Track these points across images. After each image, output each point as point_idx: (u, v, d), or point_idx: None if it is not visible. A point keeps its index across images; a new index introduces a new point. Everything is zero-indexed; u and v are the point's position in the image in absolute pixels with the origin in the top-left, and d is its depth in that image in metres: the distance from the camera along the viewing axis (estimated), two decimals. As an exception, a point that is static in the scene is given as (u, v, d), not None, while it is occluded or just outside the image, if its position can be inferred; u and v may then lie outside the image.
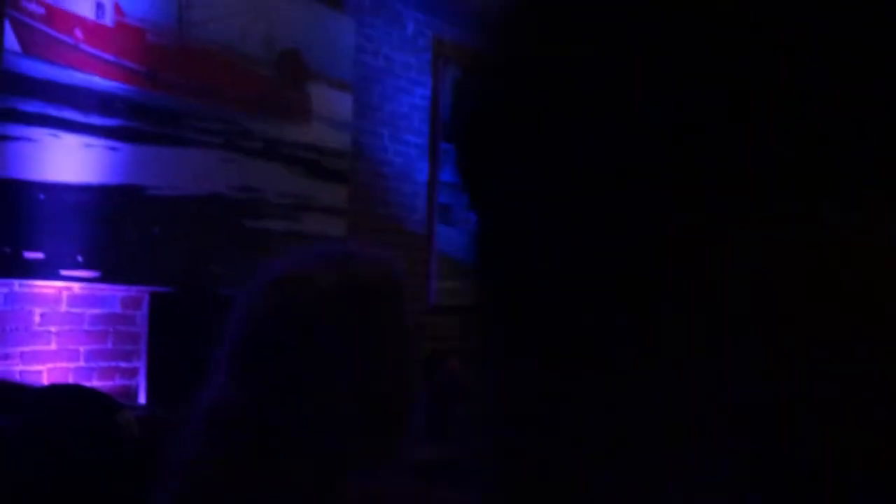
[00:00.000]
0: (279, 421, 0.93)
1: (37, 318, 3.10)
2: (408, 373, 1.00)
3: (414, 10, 4.74)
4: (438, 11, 4.88)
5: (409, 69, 4.70)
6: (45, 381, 3.07)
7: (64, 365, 3.16)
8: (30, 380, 3.04)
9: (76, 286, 3.21)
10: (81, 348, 3.22)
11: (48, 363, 3.12)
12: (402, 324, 1.00)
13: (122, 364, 3.29)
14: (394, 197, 4.61)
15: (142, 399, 3.13)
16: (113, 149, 3.32)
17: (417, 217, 4.73)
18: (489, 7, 0.27)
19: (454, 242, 4.93)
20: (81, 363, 3.21)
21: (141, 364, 3.18)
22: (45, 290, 3.12)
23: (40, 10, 3.10)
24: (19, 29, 3.05)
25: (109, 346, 3.28)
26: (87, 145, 3.24)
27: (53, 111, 3.14)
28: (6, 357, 3.02)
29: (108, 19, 3.31)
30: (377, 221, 4.50)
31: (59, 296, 3.17)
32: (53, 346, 3.14)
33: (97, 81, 3.27)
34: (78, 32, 3.21)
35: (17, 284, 3.05)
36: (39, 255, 3.08)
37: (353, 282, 0.97)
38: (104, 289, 3.29)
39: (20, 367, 3.04)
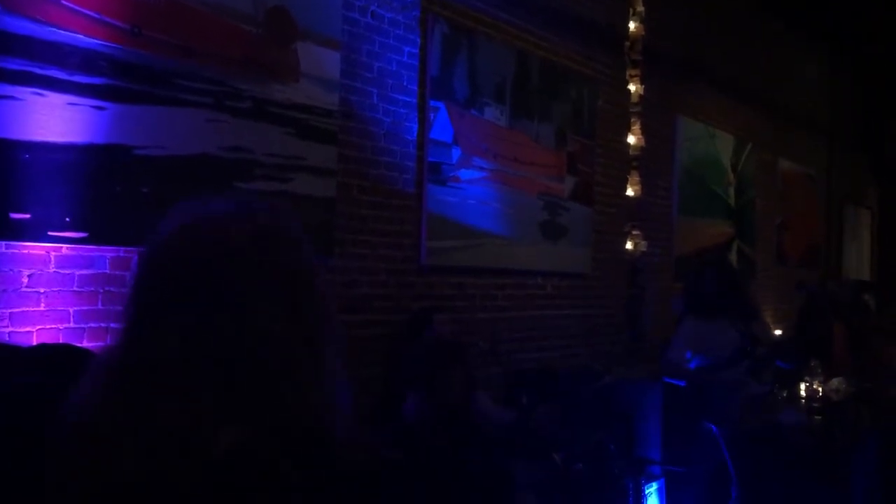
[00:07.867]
0: (187, 363, 0.96)
1: (25, 280, 3.07)
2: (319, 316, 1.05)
3: (402, -34, 4.67)
4: (427, -32, 4.80)
5: (397, 26, 4.63)
6: (35, 342, 3.06)
7: (53, 326, 3.14)
8: (19, 341, 3.02)
9: (64, 247, 3.18)
10: (71, 309, 3.20)
11: (37, 324, 3.10)
12: (310, 266, 1.07)
13: (113, 325, 3.27)
14: (383, 156, 4.57)
15: (133, 359, 3.11)
16: (99, 108, 3.27)
17: (408, 176, 4.69)
18: None
19: (444, 202, 4.90)
20: (71, 324, 3.19)
21: (132, 324, 3.15)
22: (32, 252, 3.09)
23: (21, -35, 3.03)
24: (0, -16, 2.98)
25: (99, 306, 3.26)
26: (72, 104, 3.19)
27: (37, 69, 3.09)
28: (-5, 318, 2.99)
29: (91, -26, 3.24)
30: (367, 181, 4.47)
31: (48, 257, 3.14)
32: (42, 307, 3.12)
33: (81, 38, 3.21)
34: (60, -12, 3.15)
35: (4, 246, 3.02)
36: (26, 216, 3.05)
37: (264, 229, 1.04)
38: (92, 249, 3.26)
39: (9, 329, 3.02)
